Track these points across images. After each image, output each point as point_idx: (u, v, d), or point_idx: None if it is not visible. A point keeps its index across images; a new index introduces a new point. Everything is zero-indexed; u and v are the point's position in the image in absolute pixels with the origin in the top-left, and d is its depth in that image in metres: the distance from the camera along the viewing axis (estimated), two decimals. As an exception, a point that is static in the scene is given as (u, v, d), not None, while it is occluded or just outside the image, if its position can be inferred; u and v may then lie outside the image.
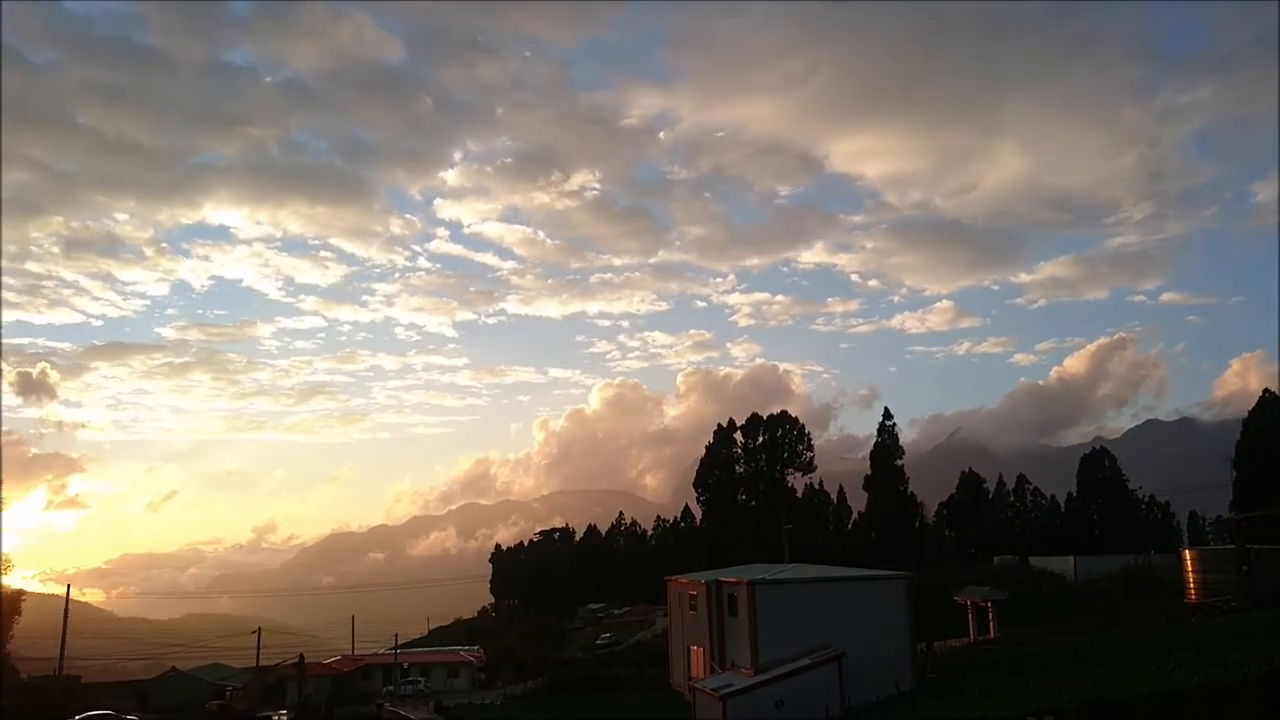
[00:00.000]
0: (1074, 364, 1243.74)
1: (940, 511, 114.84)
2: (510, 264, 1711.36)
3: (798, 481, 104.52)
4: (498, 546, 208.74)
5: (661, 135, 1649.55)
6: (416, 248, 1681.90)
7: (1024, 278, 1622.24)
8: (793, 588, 51.66)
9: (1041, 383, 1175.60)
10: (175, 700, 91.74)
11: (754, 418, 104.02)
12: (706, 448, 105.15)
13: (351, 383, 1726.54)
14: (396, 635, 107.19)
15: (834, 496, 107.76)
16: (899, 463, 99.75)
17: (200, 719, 78.80)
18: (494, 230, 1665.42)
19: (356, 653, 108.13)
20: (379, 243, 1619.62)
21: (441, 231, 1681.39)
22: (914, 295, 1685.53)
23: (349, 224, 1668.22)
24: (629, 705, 58.32)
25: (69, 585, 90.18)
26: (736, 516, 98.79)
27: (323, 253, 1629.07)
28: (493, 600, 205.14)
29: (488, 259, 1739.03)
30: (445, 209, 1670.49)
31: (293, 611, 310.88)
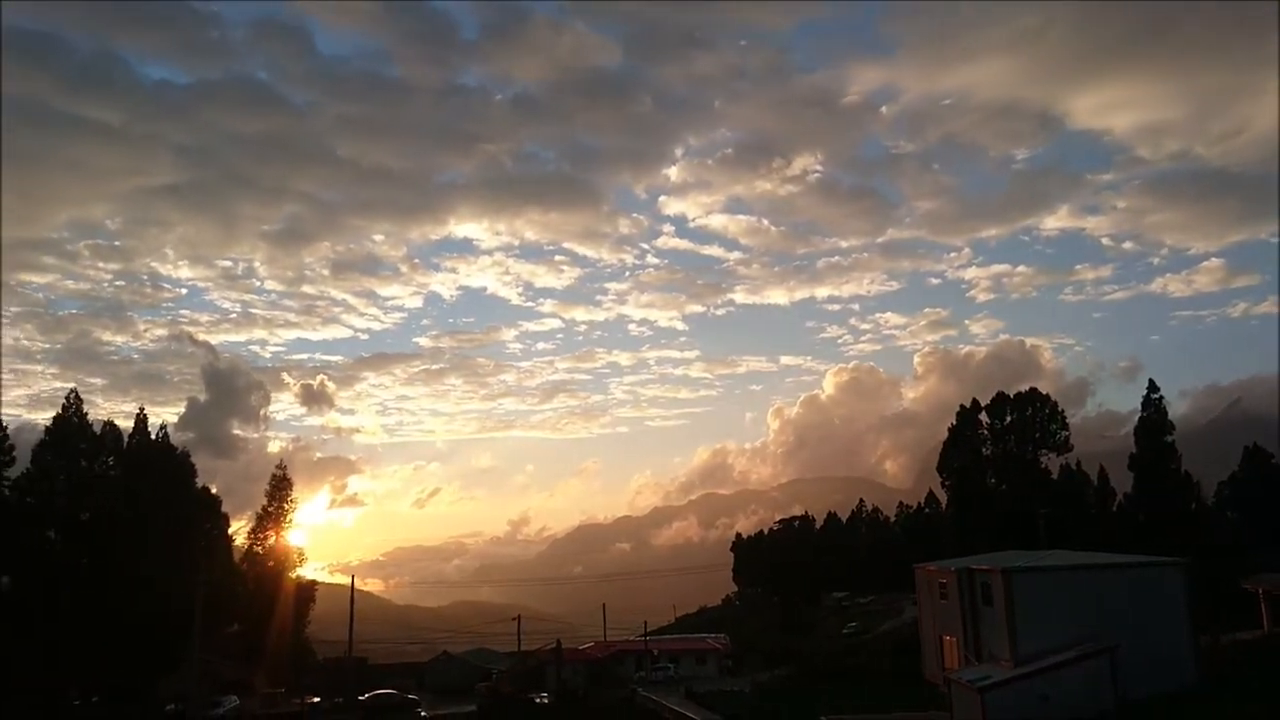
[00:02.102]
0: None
1: (1220, 492, 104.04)
2: (736, 254, 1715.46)
3: (1052, 463, 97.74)
4: (738, 535, 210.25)
5: (884, 110, 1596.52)
6: (644, 245, 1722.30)
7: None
8: (1053, 575, 48.60)
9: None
10: (448, 682, 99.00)
11: (1000, 397, 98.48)
12: (949, 430, 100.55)
13: (590, 380, 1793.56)
14: (645, 623, 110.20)
15: (1094, 478, 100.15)
16: (1169, 439, 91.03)
17: (470, 699, 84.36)
18: (718, 222, 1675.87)
19: (608, 639, 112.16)
20: (609, 243, 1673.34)
21: (667, 228, 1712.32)
22: (1176, 255, 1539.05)
23: (580, 227, 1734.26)
24: (881, 695, 56.94)
25: (353, 576, 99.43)
26: (985, 501, 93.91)
27: (557, 257, 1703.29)
28: (736, 589, 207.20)
29: (714, 251, 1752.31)
30: (670, 205, 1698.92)
31: (547, 599, 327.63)
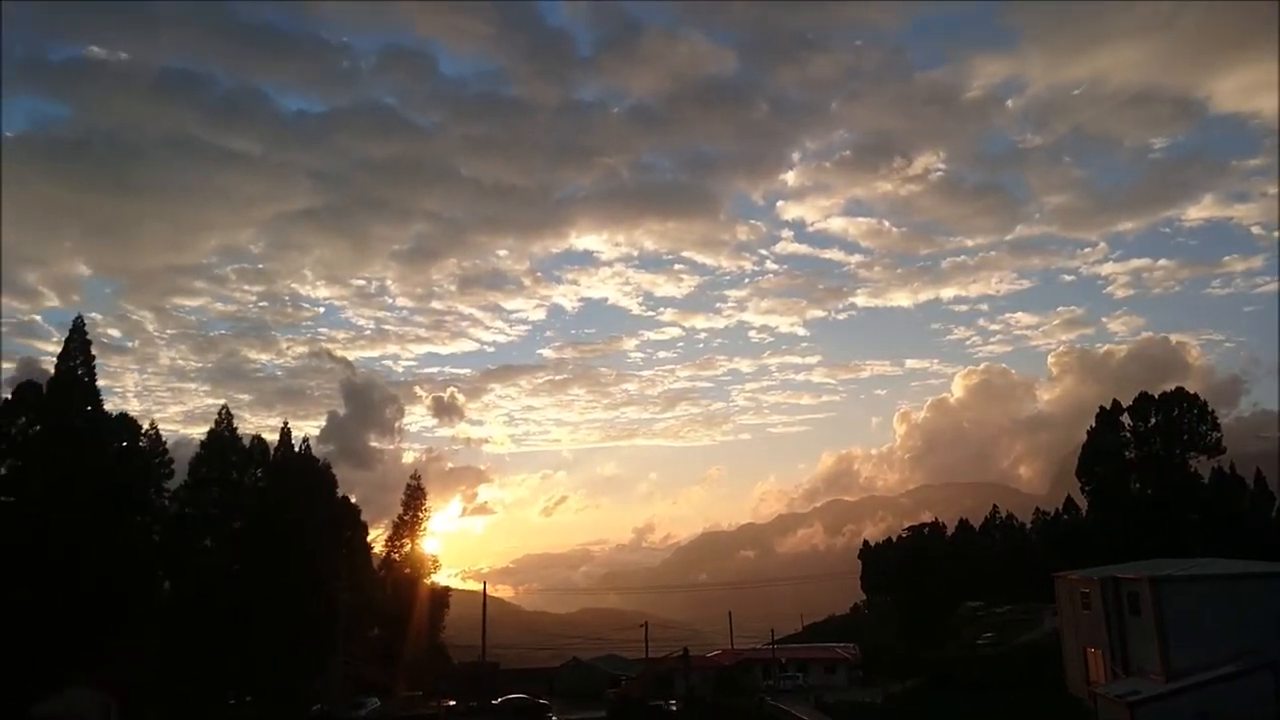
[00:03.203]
0: None
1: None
2: (857, 257, 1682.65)
3: (1202, 466, 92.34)
4: (866, 543, 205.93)
5: (1009, 103, 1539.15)
6: (763, 251, 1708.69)
7: None
8: (1207, 584, 45.97)
9: None
10: (577, 687, 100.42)
11: (1143, 397, 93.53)
12: (1089, 433, 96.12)
13: (711, 388, 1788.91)
14: (773, 631, 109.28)
15: (1249, 481, 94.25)
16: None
17: (600, 705, 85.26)
18: (838, 225, 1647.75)
19: (735, 647, 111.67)
20: (727, 250, 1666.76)
21: (786, 232, 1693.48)
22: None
23: (698, 235, 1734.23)
24: (1021, 708, 54.85)
25: (484, 582, 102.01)
26: (1129, 507, 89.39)
27: (676, 265, 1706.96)
28: (864, 597, 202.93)
29: (834, 255, 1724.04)
30: (788, 210, 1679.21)
31: (673, 606, 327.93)
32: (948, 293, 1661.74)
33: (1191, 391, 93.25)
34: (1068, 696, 55.68)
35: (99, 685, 61.66)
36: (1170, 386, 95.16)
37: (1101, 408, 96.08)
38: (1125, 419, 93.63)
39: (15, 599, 59.98)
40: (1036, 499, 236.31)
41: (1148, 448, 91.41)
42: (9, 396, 68.86)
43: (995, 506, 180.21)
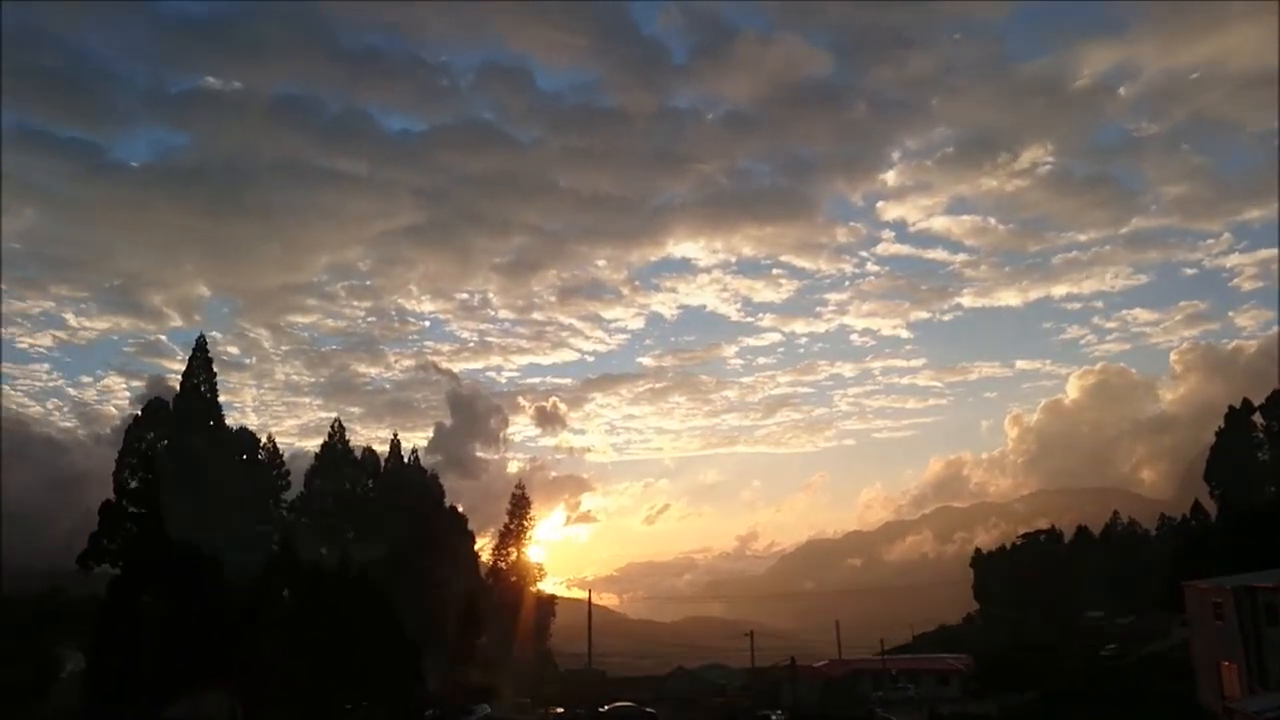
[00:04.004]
0: None
1: None
2: (961, 256, 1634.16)
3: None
4: (978, 550, 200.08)
5: (1121, 91, 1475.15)
6: (864, 253, 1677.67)
7: None
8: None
9: None
10: (683, 695, 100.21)
11: (1276, 395, 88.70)
12: (1217, 434, 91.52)
13: (813, 393, 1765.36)
14: (882, 641, 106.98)
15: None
16: None
17: (704, 714, 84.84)
18: (941, 224, 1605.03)
19: (844, 657, 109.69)
20: (826, 253, 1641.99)
21: (887, 233, 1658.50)
22: None
23: (797, 239, 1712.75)
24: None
25: (590, 591, 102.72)
26: (1262, 512, 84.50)
27: (775, 270, 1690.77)
28: (977, 606, 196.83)
29: (937, 254, 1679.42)
30: (889, 210, 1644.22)
31: (778, 615, 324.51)
32: (1059, 290, 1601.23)
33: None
34: (1199, 711, 52.83)
35: (225, 690, 64.20)
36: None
37: (1231, 407, 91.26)
38: (1258, 418, 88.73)
39: (149, 608, 62.99)
40: (1161, 504, 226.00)
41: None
42: (139, 413, 72.71)
43: (1116, 513, 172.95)
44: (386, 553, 76.82)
